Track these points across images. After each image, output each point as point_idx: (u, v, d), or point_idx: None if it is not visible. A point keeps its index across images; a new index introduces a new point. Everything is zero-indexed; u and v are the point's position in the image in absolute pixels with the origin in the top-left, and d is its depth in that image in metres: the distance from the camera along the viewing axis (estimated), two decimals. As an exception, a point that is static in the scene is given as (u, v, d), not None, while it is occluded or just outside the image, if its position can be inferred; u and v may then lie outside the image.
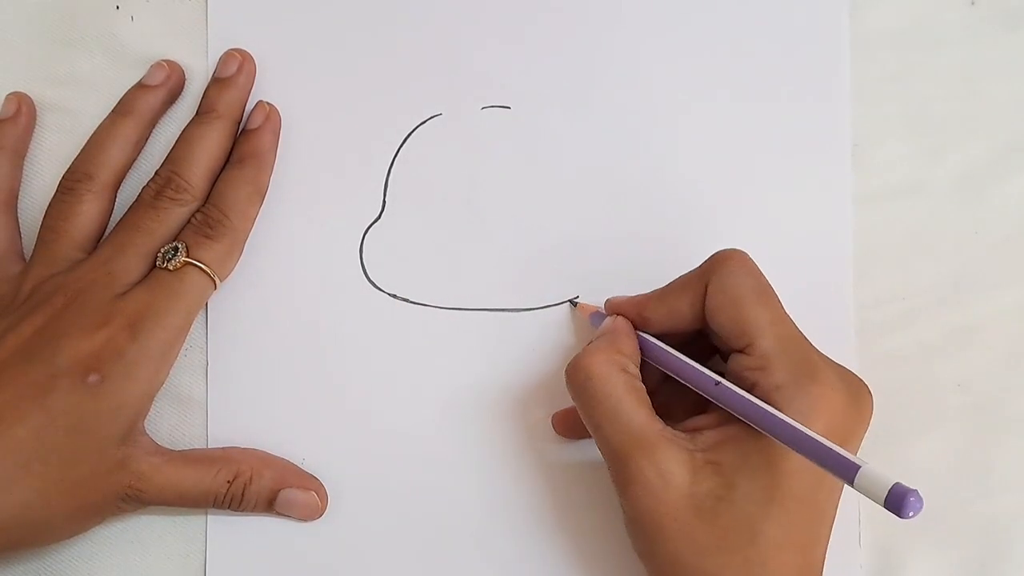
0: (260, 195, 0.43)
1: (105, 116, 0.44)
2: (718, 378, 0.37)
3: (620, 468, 0.37)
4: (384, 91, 0.45)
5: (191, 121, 0.44)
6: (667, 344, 0.40)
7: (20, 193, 0.44)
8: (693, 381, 0.38)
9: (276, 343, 0.44)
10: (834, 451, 0.33)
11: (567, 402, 0.43)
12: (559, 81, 0.45)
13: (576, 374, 0.39)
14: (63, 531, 0.40)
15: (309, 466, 0.43)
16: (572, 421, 0.42)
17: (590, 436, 0.41)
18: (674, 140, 0.45)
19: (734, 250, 0.39)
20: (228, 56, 0.44)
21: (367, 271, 0.44)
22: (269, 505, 0.42)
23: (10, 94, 0.44)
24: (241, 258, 0.43)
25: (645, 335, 0.40)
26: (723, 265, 0.38)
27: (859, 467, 0.32)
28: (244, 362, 0.44)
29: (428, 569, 0.43)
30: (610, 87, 0.45)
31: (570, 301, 0.44)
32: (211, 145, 0.43)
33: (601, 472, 0.43)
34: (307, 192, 0.44)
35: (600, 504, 0.43)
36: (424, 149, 0.45)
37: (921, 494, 0.31)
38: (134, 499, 0.40)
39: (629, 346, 0.40)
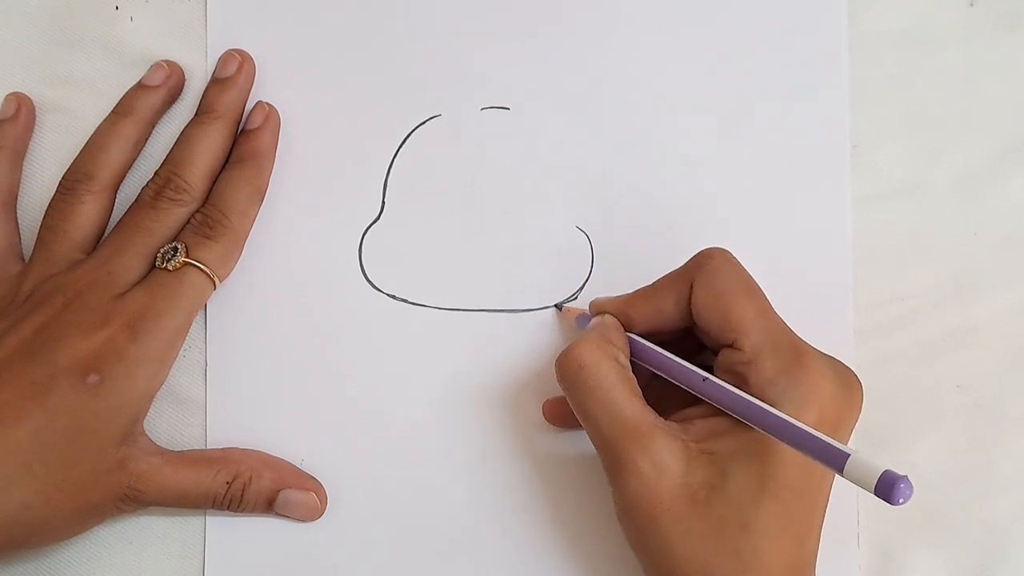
0: (260, 195, 0.43)
1: (105, 116, 0.44)
2: (705, 374, 0.38)
3: (613, 458, 0.37)
4: (384, 91, 0.45)
5: (191, 121, 0.44)
6: (653, 343, 0.40)
7: (20, 193, 0.44)
8: (680, 378, 0.38)
9: (275, 343, 0.44)
10: (823, 440, 0.33)
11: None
12: (559, 81, 0.45)
13: (568, 364, 0.39)
14: (62, 531, 0.40)
15: (308, 466, 0.43)
16: (563, 410, 0.43)
17: (580, 427, 0.41)
18: (673, 141, 0.45)
19: (717, 248, 0.39)
20: (227, 56, 0.44)
21: (366, 271, 0.44)
22: (268, 506, 0.42)
23: (9, 94, 0.44)
24: (240, 258, 0.43)
25: (631, 335, 0.40)
26: (707, 263, 0.39)
27: (848, 455, 0.32)
28: (243, 362, 0.44)
29: (427, 568, 0.43)
30: (610, 88, 0.45)
31: (555, 305, 0.44)
32: (211, 145, 0.43)
33: (598, 471, 0.43)
34: (307, 192, 0.44)
35: (599, 503, 0.43)
36: (424, 150, 0.45)
37: (912, 481, 0.30)
38: (133, 500, 0.40)
39: (619, 338, 0.40)
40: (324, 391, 0.44)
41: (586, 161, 0.45)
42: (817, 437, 0.33)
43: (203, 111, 0.43)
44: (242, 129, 0.44)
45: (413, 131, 0.45)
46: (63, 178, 0.43)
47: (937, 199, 0.45)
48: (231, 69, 0.44)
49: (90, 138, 0.43)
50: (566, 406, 0.41)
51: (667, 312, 0.40)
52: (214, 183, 0.43)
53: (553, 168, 0.45)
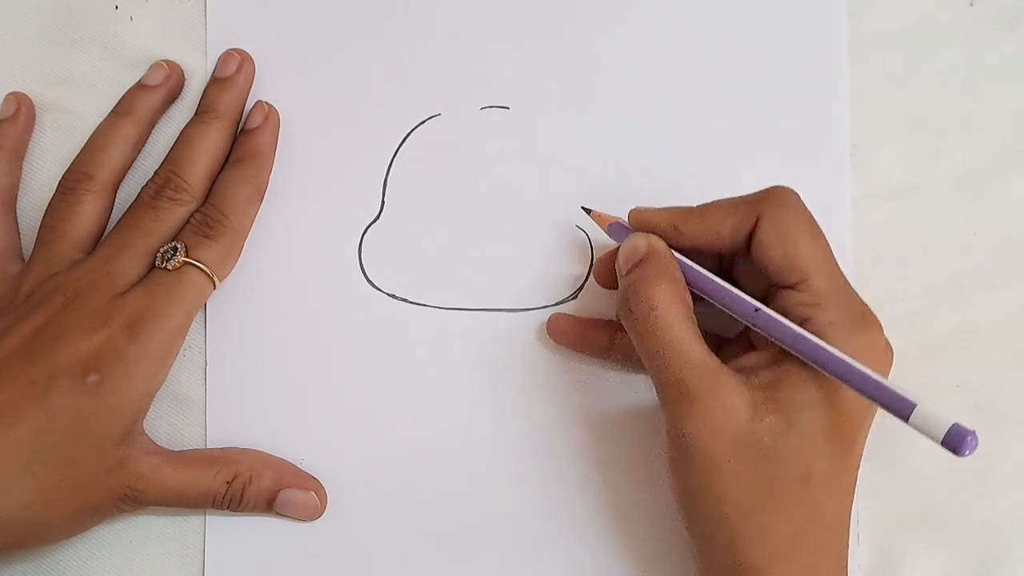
0: (259, 195, 0.43)
1: (104, 116, 0.44)
2: (758, 304, 0.37)
3: (680, 399, 0.37)
4: (383, 91, 0.45)
5: (190, 121, 0.44)
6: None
7: (19, 193, 0.44)
8: (733, 307, 0.38)
9: (275, 343, 0.44)
10: (890, 387, 0.33)
11: (566, 402, 0.44)
12: (559, 81, 0.45)
13: (639, 304, 0.37)
14: (62, 531, 0.40)
15: (308, 466, 0.43)
16: (569, 330, 0.43)
17: (584, 350, 0.42)
18: (673, 141, 0.45)
19: (790, 188, 0.38)
20: (227, 56, 0.44)
21: (366, 271, 0.44)
22: (268, 505, 0.42)
23: (9, 94, 0.44)
24: (240, 258, 0.43)
25: (684, 259, 0.39)
26: (780, 199, 0.38)
27: (915, 404, 0.32)
28: (243, 362, 0.44)
29: (428, 569, 0.43)
30: (609, 87, 0.45)
31: (582, 208, 0.43)
32: (210, 145, 0.43)
33: (599, 465, 0.43)
34: (306, 192, 0.44)
35: (600, 502, 0.43)
36: (423, 149, 0.45)
37: (978, 436, 0.31)
38: (133, 499, 0.40)
39: (678, 272, 0.38)
40: (324, 391, 0.44)
41: (585, 161, 0.45)
42: (885, 383, 0.33)
43: (203, 111, 0.43)
44: (242, 129, 0.44)
45: (413, 131, 0.45)
46: (63, 178, 0.43)
47: (937, 199, 0.45)
48: (231, 69, 0.44)
49: (90, 138, 0.43)
50: (571, 325, 0.42)
51: (720, 236, 0.38)
52: (214, 183, 0.43)
53: (553, 168, 0.45)
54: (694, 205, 0.39)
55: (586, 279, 0.44)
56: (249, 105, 0.44)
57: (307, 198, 0.44)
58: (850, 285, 0.38)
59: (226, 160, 0.43)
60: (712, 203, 0.39)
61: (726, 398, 0.36)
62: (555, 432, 0.44)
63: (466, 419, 0.44)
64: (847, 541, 0.38)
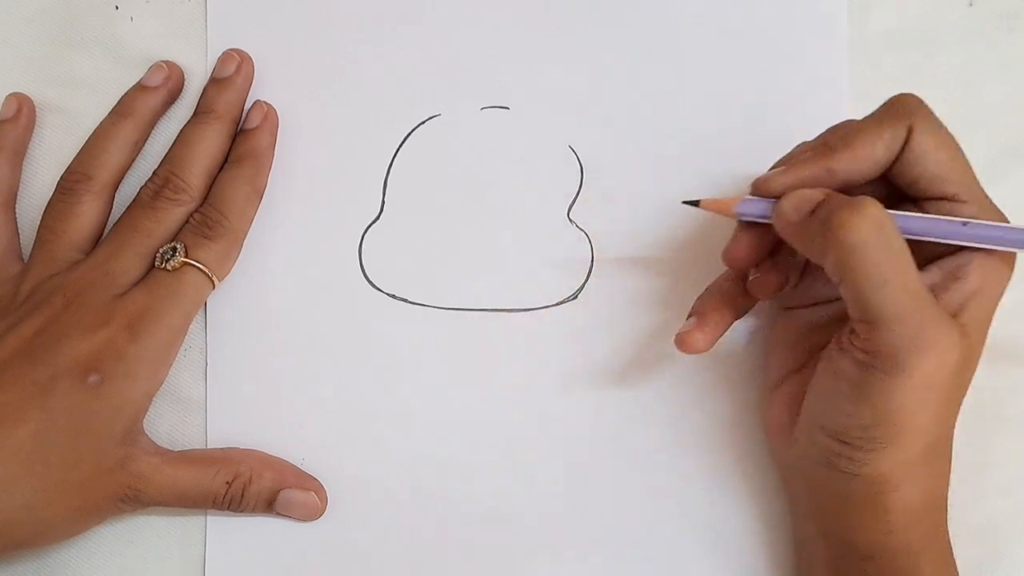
0: (258, 195, 0.43)
1: (104, 116, 0.44)
2: (964, 219, 0.35)
3: (916, 329, 0.33)
4: (383, 91, 0.45)
5: (189, 121, 0.44)
6: None
7: (19, 193, 0.44)
8: (939, 232, 0.35)
9: (275, 343, 0.44)
10: None
11: (565, 402, 0.44)
12: (559, 81, 0.45)
13: (863, 222, 0.33)
14: (63, 531, 0.41)
15: (309, 466, 0.43)
16: (752, 246, 0.38)
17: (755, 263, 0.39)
18: (673, 141, 0.45)
19: (912, 93, 0.36)
20: (226, 56, 0.44)
21: (366, 271, 0.44)
22: (269, 506, 0.42)
23: (10, 95, 0.44)
24: (240, 258, 0.43)
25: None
26: (922, 105, 0.36)
27: None
28: (243, 362, 0.44)
29: (428, 568, 0.43)
30: (609, 87, 0.45)
31: (688, 202, 0.39)
32: (209, 145, 0.43)
33: (599, 467, 0.43)
34: (306, 192, 0.44)
35: (602, 502, 0.43)
36: (423, 149, 0.45)
37: None
38: (134, 499, 0.40)
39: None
40: (324, 391, 0.44)
41: (585, 162, 0.45)
42: None
43: (202, 111, 0.43)
44: (240, 129, 0.44)
45: (413, 131, 0.45)
46: (62, 178, 0.43)
47: (937, 199, 0.45)
48: (230, 69, 0.44)
49: (89, 138, 0.43)
50: (756, 239, 0.38)
51: (875, 160, 0.35)
52: (213, 183, 0.43)
53: (553, 168, 0.45)
54: (813, 143, 0.37)
55: (586, 279, 0.44)
56: (248, 105, 0.44)
57: (307, 198, 0.44)
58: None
59: (225, 160, 0.43)
60: (845, 133, 0.36)
61: (951, 330, 0.34)
62: (556, 431, 0.44)
63: (466, 419, 0.44)
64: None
